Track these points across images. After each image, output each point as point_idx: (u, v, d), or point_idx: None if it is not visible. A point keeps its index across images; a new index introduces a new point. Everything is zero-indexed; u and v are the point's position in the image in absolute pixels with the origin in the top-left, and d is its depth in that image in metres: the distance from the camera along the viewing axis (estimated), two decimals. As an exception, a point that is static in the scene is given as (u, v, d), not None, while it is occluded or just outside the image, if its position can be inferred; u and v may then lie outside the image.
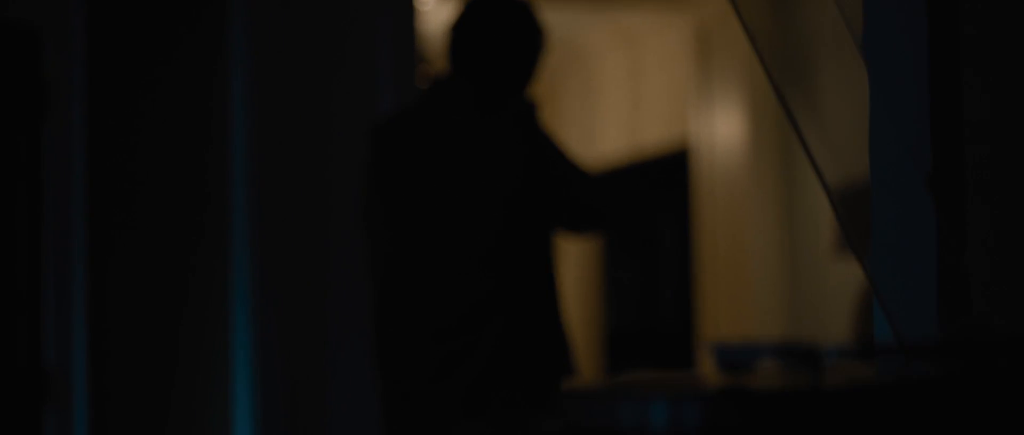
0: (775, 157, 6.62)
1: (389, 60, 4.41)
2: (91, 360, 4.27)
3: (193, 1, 4.31)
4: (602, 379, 9.04)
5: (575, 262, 9.24)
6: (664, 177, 8.46)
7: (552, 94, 9.59)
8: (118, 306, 4.31)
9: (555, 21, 8.42)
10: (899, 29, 1.49)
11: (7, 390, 4.04)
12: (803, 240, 6.53)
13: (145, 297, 4.32)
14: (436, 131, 3.17)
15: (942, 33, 1.47)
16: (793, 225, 6.59)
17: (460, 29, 3.26)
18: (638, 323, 9.20)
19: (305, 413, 4.13)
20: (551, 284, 3.16)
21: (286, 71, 4.18)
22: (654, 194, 8.58)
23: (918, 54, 1.47)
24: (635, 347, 9.19)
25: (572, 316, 9.13)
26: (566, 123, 9.44)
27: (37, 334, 4.15)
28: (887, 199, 1.52)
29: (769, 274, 6.63)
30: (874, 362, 1.30)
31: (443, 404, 3.02)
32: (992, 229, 1.53)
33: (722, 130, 6.82)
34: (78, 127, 4.19)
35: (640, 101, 8.47)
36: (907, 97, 1.49)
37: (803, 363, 1.03)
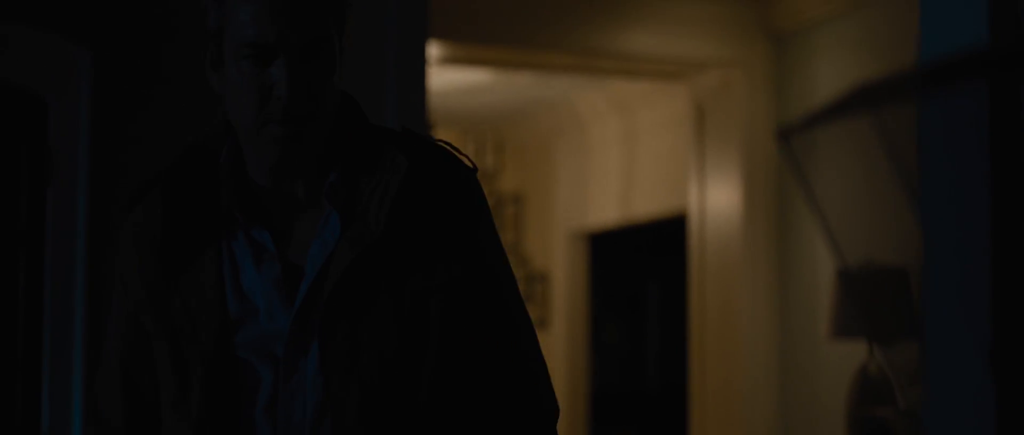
0: (769, 229, 6.65)
1: (395, 120, 4.45)
2: (87, 426, 4.27)
3: (199, 70, 4.33)
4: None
5: (562, 323, 9.25)
6: (657, 244, 8.48)
7: (545, 156, 9.62)
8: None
9: (550, 86, 8.48)
10: (960, 204, 1.49)
11: (3, 455, 4.03)
12: (796, 312, 6.55)
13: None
14: None
15: (1005, 209, 1.47)
16: (786, 297, 6.61)
17: None
18: (625, 386, 9.20)
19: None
20: None
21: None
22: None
23: (979, 228, 1.47)
24: (621, 409, 9.19)
25: (558, 378, 9.14)
26: (558, 186, 9.46)
27: (35, 398, 4.15)
28: (945, 373, 1.51)
29: (761, 345, 6.64)
30: None
31: None
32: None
33: (717, 200, 6.85)
34: (81, 194, 4.21)
35: (634, 167, 8.51)
36: (968, 272, 1.48)
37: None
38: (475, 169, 2.07)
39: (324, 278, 1.96)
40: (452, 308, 1.99)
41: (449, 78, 7.87)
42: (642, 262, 8.96)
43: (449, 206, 2.02)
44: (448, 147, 2.07)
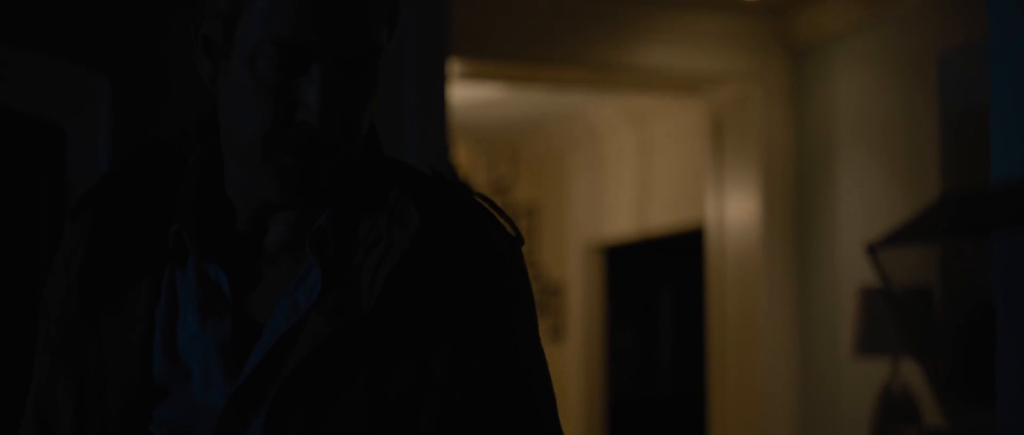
0: (788, 242, 6.61)
1: (415, 140, 4.41)
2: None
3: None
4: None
5: (577, 335, 9.21)
6: (672, 257, 8.45)
7: (559, 169, 9.58)
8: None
9: (563, 99, 8.44)
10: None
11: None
12: (817, 324, 6.51)
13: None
14: None
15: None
16: (806, 309, 6.57)
17: None
18: (641, 398, 9.16)
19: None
20: None
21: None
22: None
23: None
24: (637, 421, 9.16)
25: (574, 389, 9.09)
26: (573, 198, 9.42)
27: None
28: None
29: (781, 357, 6.60)
30: None
31: None
32: None
33: (736, 213, 6.81)
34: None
35: (651, 179, 8.47)
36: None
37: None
38: (520, 241, 1.57)
39: (285, 350, 1.47)
40: (453, 417, 1.47)
41: (464, 92, 7.84)
42: (657, 275, 8.92)
43: (472, 285, 1.50)
44: (487, 206, 1.57)
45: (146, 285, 1.53)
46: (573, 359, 9.19)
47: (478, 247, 1.52)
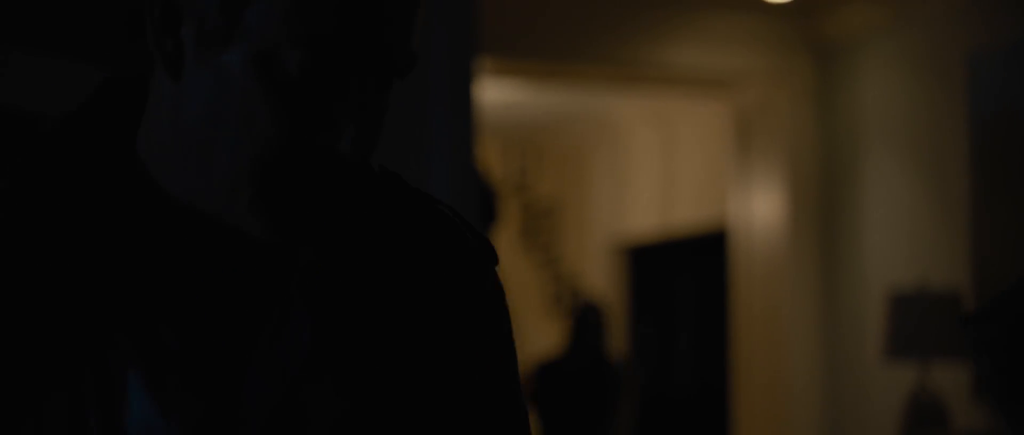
0: (814, 243, 6.54)
1: (442, 139, 4.36)
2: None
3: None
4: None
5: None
6: (694, 258, 8.39)
7: (581, 168, 9.53)
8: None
9: (585, 97, 8.38)
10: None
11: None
12: (843, 325, 6.45)
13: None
14: None
15: None
16: (833, 310, 6.51)
17: None
18: (663, 392, 9.12)
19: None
20: None
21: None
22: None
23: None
24: (658, 420, 9.11)
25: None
26: (596, 197, 9.37)
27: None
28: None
29: (807, 358, 6.54)
30: None
31: None
32: None
33: (761, 213, 6.74)
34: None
35: (673, 179, 8.41)
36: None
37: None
38: (494, 257, 1.26)
39: (275, 429, 1.12)
40: None
41: (489, 89, 7.80)
42: (679, 275, 8.87)
43: (466, 315, 1.21)
44: (451, 215, 1.26)
45: (65, 373, 1.09)
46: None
47: (462, 268, 1.22)
